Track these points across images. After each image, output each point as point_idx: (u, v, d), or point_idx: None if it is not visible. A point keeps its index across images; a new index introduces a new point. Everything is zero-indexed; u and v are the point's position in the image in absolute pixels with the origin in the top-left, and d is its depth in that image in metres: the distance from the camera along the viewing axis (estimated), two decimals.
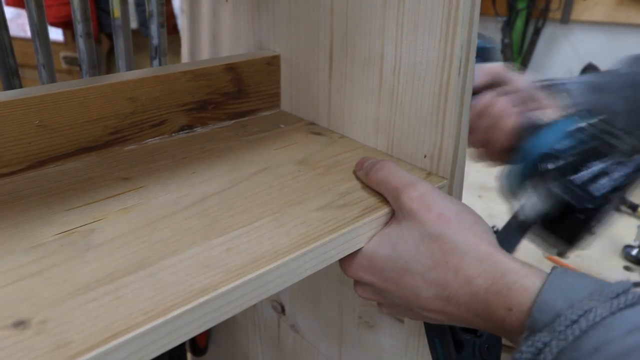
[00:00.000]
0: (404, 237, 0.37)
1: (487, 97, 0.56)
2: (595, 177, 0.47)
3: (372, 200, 0.40)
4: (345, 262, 0.40)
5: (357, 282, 0.41)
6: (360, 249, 0.39)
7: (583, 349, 0.28)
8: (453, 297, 0.35)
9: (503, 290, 0.32)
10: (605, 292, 0.30)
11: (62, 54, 2.25)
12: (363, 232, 0.38)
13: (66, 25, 1.89)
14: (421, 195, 0.37)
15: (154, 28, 0.62)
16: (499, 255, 0.34)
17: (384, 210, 0.39)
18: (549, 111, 0.55)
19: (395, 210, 0.39)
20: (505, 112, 0.55)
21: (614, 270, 0.93)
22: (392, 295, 0.38)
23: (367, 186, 0.42)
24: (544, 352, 0.29)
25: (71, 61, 2.25)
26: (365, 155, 0.47)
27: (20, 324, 0.27)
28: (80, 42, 0.56)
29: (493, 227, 1.08)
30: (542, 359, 0.29)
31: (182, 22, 0.72)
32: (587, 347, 0.28)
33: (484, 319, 0.34)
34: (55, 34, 2.12)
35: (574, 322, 0.29)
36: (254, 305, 0.71)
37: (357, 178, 0.43)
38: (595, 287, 0.30)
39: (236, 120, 0.55)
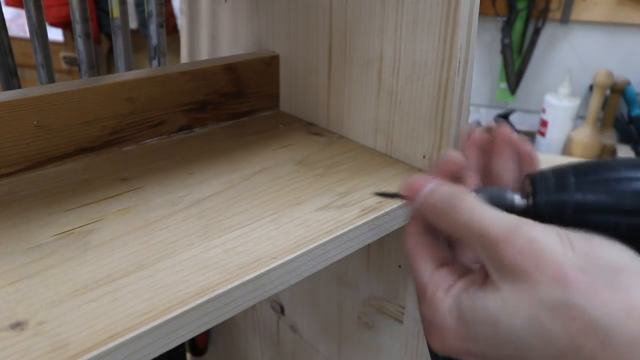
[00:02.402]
0: (508, 309, 0.26)
1: None
2: None
3: (371, 200, 0.40)
4: (430, 338, 0.30)
5: None
6: (444, 323, 0.29)
7: None
8: None
9: None
10: None
11: (62, 54, 2.24)
12: (362, 232, 0.38)
13: (66, 25, 1.89)
14: (528, 244, 0.25)
15: (152, 28, 0.61)
16: None
17: (384, 211, 0.39)
18: None
19: (488, 268, 0.28)
20: None
21: None
22: None
23: (428, 224, 0.32)
24: None
25: (71, 61, 2.25)
26: (365, 154, 0.47)
27: (17, 325, 0.27)
28: (79, 43, 0.56)
29: None
30: None
31: (181, 22, 0.72)
32: None
33: None
34: (56, 34, 2.12)
35: None
36: (253, 306, 0.71)
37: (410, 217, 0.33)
38: None
39: (235, 121, 0.55)
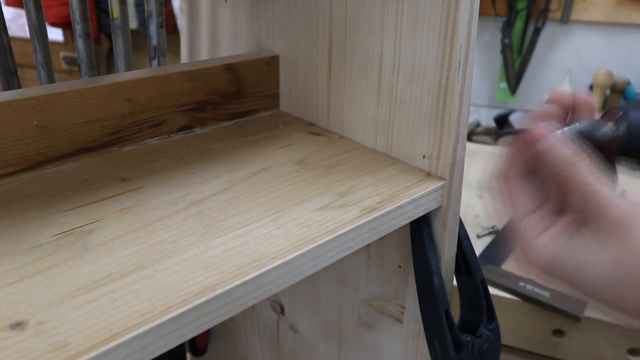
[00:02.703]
0: (598, 249, 0.34)
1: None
2: None
3: (371, 200, 0.40)
4: (521, 255, 0.38)
5: None
6: (536, 253, 0.37)
7: None
8: None
9: None
10: None
11: (62, 54, 2.25)
12: (362, 232, 0.38)
13: (66, 25, 1.90)
14: (628, 212, 0.33)
15: (152, 28, 0.61)
16: None
17: (384, 211, 0.39)
18: None
19: (588, 216, 0.35)
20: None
21: None
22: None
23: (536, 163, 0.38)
24: None
25: (71, 61, 2.25)
26: (365, 154, 0.47)
27: (17, 325, 0.27)
28: (79, 43, 0.56)
29: (493, 227, 1.08)
30: None
31: (181, 22, 0.72)
32: None
33: None
34: (56, 34, 2.12)
35: None
36: (253, 306, 0.71)
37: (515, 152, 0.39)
38: None
39: (235, 121, 0.55)
